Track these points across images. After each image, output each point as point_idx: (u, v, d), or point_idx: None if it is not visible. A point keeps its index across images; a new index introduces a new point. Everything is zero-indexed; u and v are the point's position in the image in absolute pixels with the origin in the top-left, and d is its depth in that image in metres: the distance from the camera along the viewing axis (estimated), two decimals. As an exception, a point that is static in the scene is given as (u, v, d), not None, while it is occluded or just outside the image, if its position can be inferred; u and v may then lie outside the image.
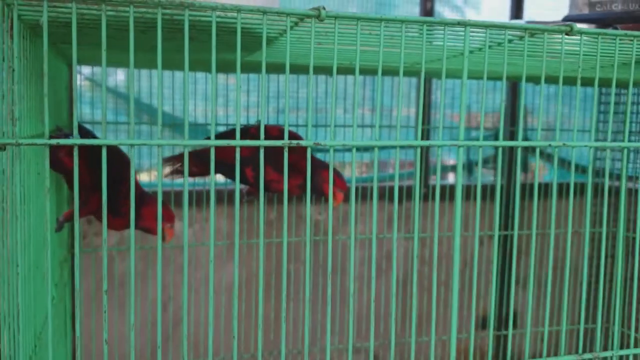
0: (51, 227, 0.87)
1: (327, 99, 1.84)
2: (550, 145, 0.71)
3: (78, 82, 1.77)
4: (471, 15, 2.39)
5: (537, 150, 0.73)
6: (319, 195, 1.18)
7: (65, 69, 1.39)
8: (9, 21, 0.62)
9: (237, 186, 0.67)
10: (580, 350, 0.76)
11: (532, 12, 2.30)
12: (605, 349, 1.89)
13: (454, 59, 1.05)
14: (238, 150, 0.64)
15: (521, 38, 0.76)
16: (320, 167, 1.12)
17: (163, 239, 1.08)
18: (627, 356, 0.80)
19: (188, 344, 1.76)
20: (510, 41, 0.79)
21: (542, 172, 2.30)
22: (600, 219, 1.93)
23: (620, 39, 0.76)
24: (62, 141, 0.57)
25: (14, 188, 0.58)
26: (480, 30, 0.72)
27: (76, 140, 0.58)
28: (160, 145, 0.61)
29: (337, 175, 1.14)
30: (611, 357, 0.77)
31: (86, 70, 1.77)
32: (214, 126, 0.67)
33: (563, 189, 1.84)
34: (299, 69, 1.36)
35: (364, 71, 1.47)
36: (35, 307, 0.82)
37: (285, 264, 0.68)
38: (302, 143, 0.66)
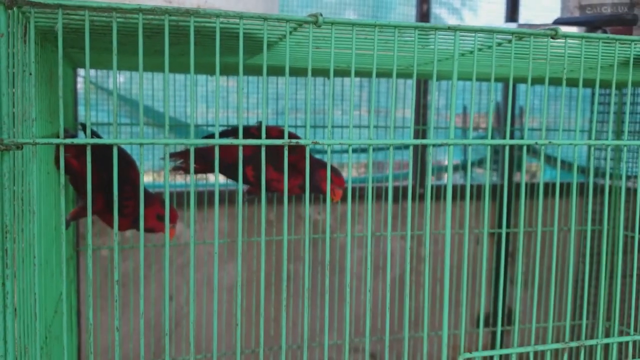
0: (62, 222, 0.91)
1: (325, 100, 1.87)
2: (536, 143, 0.75)
3: (80, 85, 1.81)
4: (468, 17, 2.43)
5: (524, 149, 0.77)
6: (318, 193, 1.21)
7: (70, 72, 1.42)
8: (24, 27, 0.66)
9: (240, 184, 0.70)
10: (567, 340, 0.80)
11: (528, 14, 2.33)
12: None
13: (448, 61, 1.09)
14: (241, 149, 0.67)
15: (510, 41, 0.80)
16: (318, 166, 1.16)
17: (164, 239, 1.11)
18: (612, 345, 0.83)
19: (188, 339, 1.79)
20: (499, 44, 0.83)
21: (536, 173, 2.34)
22: (593, 218, 1.97)
23: (603, 42, 0.80)
24: (77, 140, 0.61)
25: (31, 185, 0.62)
26: (471, 34, 0.76)
27: (89, 140, 0.62)
28: (168, 144, 0.65)
29: (335, 173, 1.18)
30: (596, 345, 0.80)
31: (90, 73, 1.80)
32: (218, 125, 0.70)
33: (551, 188, 1.89)
34: (298, 72, 1.40)
35: (362, 74, 1.51)
36: (45, 300, 0.85)
37: (286, 262, 0.72)
38: (301, 142, 0.69)
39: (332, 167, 1.21)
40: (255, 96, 1.74)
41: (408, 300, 0.75)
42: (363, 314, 1.89)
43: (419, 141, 0.72)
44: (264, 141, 0.68)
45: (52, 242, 0.93)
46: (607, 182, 0.80)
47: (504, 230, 0.79)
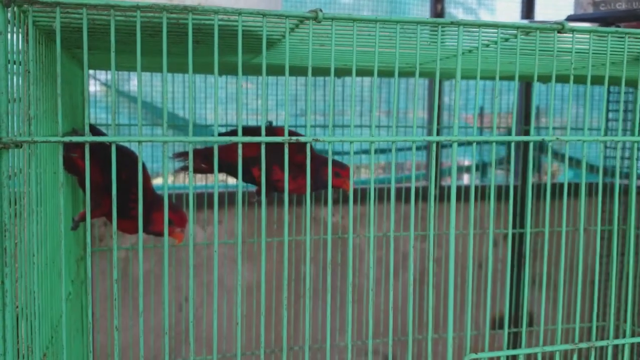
0: (66, 222, 0.91)
1: (342, 101, 1.87)
2: (544, 139, 0.74)
3: (93, 88, 1.82)
4: (485, 17, 2.41)
5: (531, 145, 0.76)
6: (327, 189, 1.21)
7: (80, 74, 1.43)
8: (25, 27, 0.66)
9: (240, 183, 0.70)
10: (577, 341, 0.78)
11: (544, 12, 2.32)
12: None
13: (456, 58, 1.08)
14: (240, 146, 0.67)
15: (516, 36, 0.78)
16: (324, 163, 1.15)
17: (172, 242, 1.10)
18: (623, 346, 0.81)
19: (200, 341, 1.79)
20: (506, 40, 0.82)
21: (557, 173, 2.31)
22: (605, 217, 1.93)
23: (613, 36, 0.78)
24: (75, 138, 0.61)
25: (31, 184, 0.62)
26: (475, 29, 0.75)
27: (87, 138, 0.62)
28: (167, 141, 0.64)
29: (339, 166, 1.18)
30: (607, 347, 0.79)
31: (102, 76, 1.82)
32: (217, 124, 0.70)
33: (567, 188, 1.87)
34: (305, 71, 1.39)
35: (369, 73, 1.50)
36: (51, 301, 0.85)
37: (287, 263, 0.71)
38: (302, 139, 0.69)
39: (335, 161, 1.21)
40: (270, 98, 1.74)
41: (412, 303, 0.73)
42: (381, 315, 1.88)
43: (422, 137, 0.71)
44: (264, 138, 0.67)
45: (59, 243, 0.93)
46: (617, 180, 0.79)
47: (509, 231, 0.77)
